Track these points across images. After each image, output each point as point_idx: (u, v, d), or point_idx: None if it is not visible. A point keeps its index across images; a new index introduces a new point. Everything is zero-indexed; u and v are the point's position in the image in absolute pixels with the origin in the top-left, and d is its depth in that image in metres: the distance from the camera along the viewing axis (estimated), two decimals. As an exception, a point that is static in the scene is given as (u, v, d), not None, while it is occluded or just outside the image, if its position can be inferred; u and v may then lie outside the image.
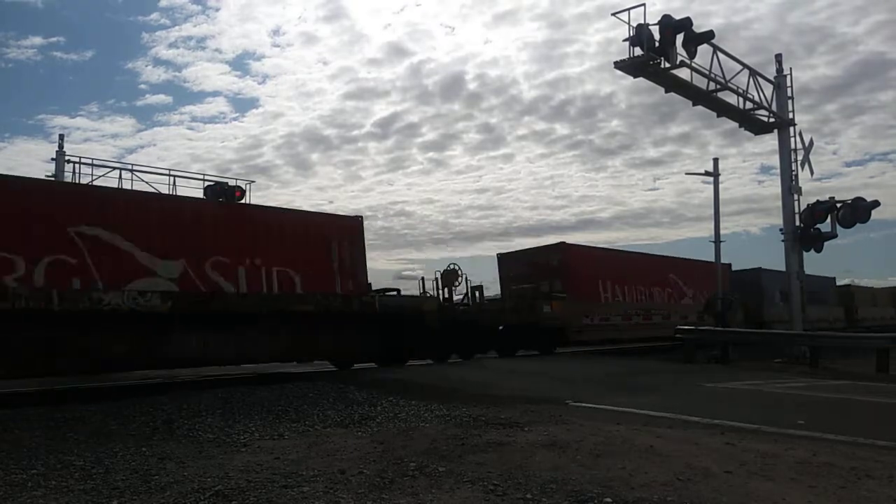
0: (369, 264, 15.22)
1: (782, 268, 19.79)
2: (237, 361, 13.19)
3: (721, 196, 25.01)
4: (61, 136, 22.95)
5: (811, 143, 19.76)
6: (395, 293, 16.44)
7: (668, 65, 15.71)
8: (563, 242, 20.92)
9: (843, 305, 32.87)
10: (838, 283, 34.91)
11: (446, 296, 17.60)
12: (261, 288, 13.03)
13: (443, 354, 16.27)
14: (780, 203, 19.15)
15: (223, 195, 24.87)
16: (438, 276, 17.82)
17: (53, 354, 10.57)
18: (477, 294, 18.13)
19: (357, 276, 14.66)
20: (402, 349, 15.39)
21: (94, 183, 23.04)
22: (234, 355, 12.82)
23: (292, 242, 13.69)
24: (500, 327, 17.85)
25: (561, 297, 19.23)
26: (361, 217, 15.49)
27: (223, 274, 12.58)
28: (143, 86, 76.02)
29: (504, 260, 21.77)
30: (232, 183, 26.13)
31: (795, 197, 18.90)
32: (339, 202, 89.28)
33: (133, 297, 11.26)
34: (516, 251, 21.83)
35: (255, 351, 12.96)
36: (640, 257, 24.70)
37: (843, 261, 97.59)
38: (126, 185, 23.37)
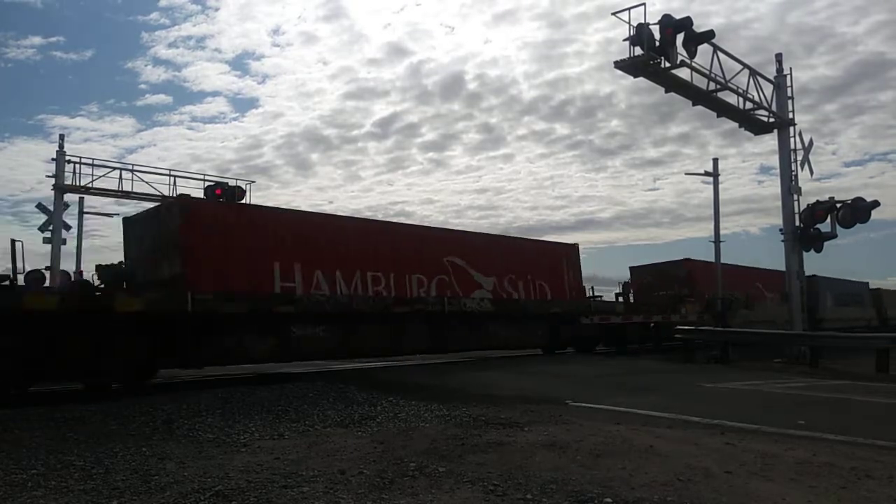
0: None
1: (782, 267, 19.80)
2: (517, 346, 18.48)
3: (721, 196, 25.36)
4: (61, 136, 23.00)
5: (811, 143, 19.73)
6: (599, 298, 22.07)
7: (668, 64, 15.68)
8: (689, 259, 26.08)
9: (875, 307, 35.77)
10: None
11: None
12: (530, 296, 18.61)
13: (622, 346, 21.14)
14: (779, 203, 19.13)
15: (226, 195, 24.94)
16: (620, 286, 24.32)
17: (445, 339, 16.33)
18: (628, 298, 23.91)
19: (577, 288, 20.46)
20: (596, 340, 20.81)
21: (95, 183, 23.26)
22: (517, 342, 18.32)
23: (544, 263, 19.51)
24: (652, 324, 22.33)
25: (691, 301, 23.76)
26: (578, 244, 21.31)
27: (512, 286, 18.19)
28: (143, 86, 76.08)
29: (636, 271, 26.71)
30: (232, 183, 26.23)
31: (795, 197, 18.86)
32: (339, 202, 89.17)
33: (477, 303, 17.01)
34: (646, 265, 26.88)
35: (527, 339, 18.62)
36: (739, 269, 29.29)
37: (843, 261, 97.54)
38: (126, 185, 23.52)
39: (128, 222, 14.20)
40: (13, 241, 11.10)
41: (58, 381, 11.16)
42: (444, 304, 16.11)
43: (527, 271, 18.61)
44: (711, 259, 26.56)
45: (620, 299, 23.68)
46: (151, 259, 12.76)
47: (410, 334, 15.47)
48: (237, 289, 12.51)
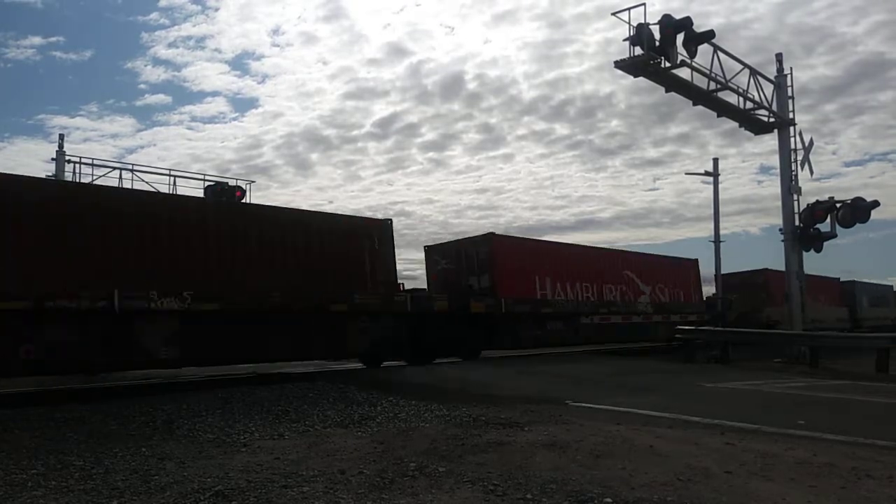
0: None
1: (782, 267, 19.83)
2: (668, 340, 21.37)
3: (721, 196, 25.50)
4: (61, 136, 22.96)
5: (811, 142, 19.73)
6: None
7: (668, 64, 15.69)
8: (767, 269, 29.06)
9: None
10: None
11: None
12: (671, 300, 24.09)
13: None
14: (779, 203, 19.14)
15: (223, 195, 24.95)
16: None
17: (629, 332, 21.62)
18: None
19: (699, 293, 26.40)
20: None
21: (95, 183, 23.27)
22: (667, 337, 21.45)
23: (678, 274, 25.12)
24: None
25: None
26: (698, 259, 26.68)
27: (661, 292, 23.70)
28: (142, 86, 76.02)
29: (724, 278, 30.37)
30: (232, 183, 26.22)
31: (795, 197, 18.86)
32: (339, 202, 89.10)
33: (644, 305, 22.55)
34: (733, 273, 29.86)
35: (662, 334, 22.21)
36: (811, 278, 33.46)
37: (842, 261, 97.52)
38: (126, 185, 23.48)
39: (429, 249, 19.87)
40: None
41: (434, 354, 16.19)
42: (627, 307, 21.78)
43: (668, 280, 24.19)
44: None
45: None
46: (454, 275, 18.55)
47: (608, 328, 20.92)
48: (519, 296, 18.17)
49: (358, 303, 14.09)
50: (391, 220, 15.64)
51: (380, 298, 14.54)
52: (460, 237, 19.86)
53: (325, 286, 13.52)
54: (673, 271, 24.91)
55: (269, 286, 12.60)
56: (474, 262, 18.32)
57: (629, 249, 27.69)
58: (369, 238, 14.82)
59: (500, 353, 18.00)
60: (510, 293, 17.88)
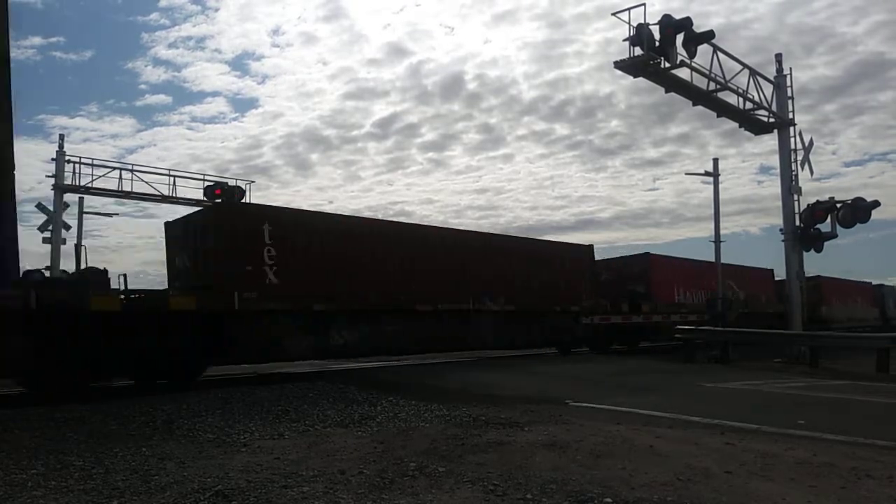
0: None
1: (783, 267, 19.87)
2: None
3: (721, 196, 25.54)
4: (61, 136, 23.00)
5: (811, 142, 19.72)
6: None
7: (668, 65, 15.66)
8: (820, 276, 30.91)
9: None
10: None
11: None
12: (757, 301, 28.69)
13: None
14: (779, 203, 19.13)
15: (225, 195, 24.98)
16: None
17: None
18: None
19: (774, 296, 29.44)
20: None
21: (94, 183, 23.33)
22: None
23: (761, 278, 30.03)
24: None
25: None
26: (773, 269, 30.68)
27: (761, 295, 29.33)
28: (142, 86, 76.08)
29: (782, 283, 33.88)
30: (232, 183, 26.26)
31: (795, 197, 18.85)
32: (339, 202, 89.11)
33: (741, 306, 26.43)
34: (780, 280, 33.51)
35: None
36: (843, 282, 36.18)
37: (842, 261, 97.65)
38: (126, 185, 23.54)
39: (600, 262, 23.53)
40: None
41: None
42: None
43: (755, 286, 28.97)
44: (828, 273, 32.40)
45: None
46: (612, 284, 22.61)
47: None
48: (666, 301, 23.66)
49: (582, 306, 19.93)
50: (592, 244, 21.85)
51: (592, 303, 20.25)
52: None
53: (563, 293, 19.36)
54: (757, 277, 29.83)
55: (535, 294, 18.27)
56: (631, 274, 23.41)
57: (660, 254, 30.29)
58: (584, 258, 20.96)
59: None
60: (661, 298, 23.30)
